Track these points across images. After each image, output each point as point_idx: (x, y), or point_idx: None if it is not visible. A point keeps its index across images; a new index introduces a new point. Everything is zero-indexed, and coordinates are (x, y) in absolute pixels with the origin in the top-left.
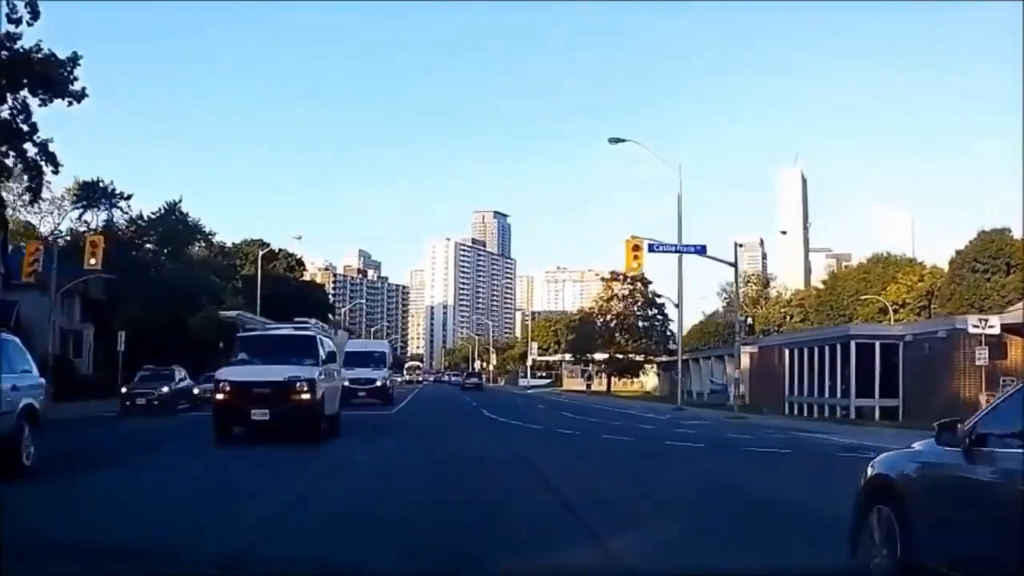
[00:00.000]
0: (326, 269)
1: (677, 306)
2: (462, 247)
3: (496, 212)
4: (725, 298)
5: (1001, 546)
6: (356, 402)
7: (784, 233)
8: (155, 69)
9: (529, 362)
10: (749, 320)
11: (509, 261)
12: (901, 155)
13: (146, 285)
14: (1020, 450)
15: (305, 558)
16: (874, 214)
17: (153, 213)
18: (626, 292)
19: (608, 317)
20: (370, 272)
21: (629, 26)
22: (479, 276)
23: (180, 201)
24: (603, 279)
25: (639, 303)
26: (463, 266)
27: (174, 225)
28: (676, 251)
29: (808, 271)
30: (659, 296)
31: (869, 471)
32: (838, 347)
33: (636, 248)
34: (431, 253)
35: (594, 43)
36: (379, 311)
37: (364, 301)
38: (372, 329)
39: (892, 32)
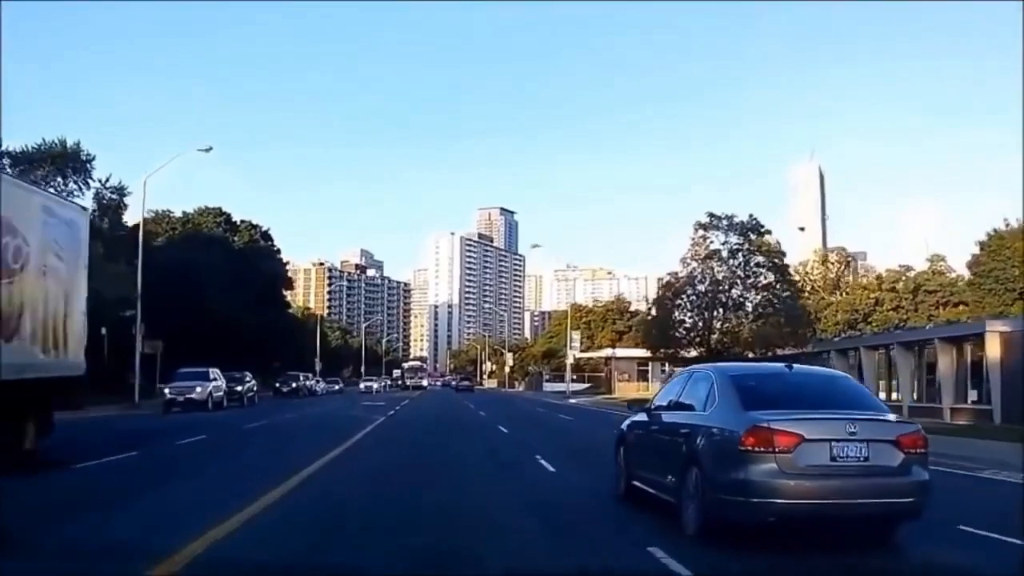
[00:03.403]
0: (320, 264)
1: None
2: (468, 242)
3: (503, 208)
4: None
5: (661, 460)
6: None
7: (802, 230)
8: (158, 65)
9: (570, 360)
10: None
11: (518, 258)
12: (920, 152)
13: None
14: (667, 412)
15: None
16: (893, 210)
17: None
18: (735, 246)
19: (704, 287)
20: (370, 271)
21: (638, 22)
22: (486, 273)
23: None
24: (699, 224)
25: (753, 264)
26: (469, 262)
27: None
28: None
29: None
30: (783, 255)
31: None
32: None
33: None
34: (435, 249)
35: (603, 38)
36: (379, 309)
37: (351, 284)
38: (364, 325)
39: (910, 27)
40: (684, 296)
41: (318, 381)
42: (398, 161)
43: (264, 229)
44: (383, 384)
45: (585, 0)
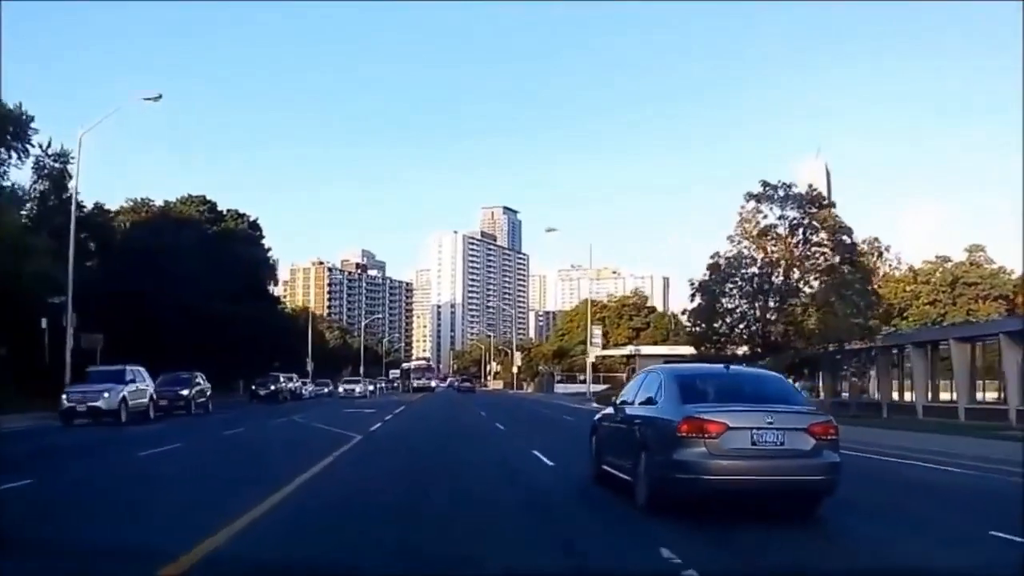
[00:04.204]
0: (320, 263)
1: None
2: (471, 240)
3: (506, 208)
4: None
5: (622, 446)
6: None
7: None
8: (158, 65)
9: (590, 358)
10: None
11: (522, 256)
12: (920, 151)
13: None
14: (628, 406)
15: None
16: (893, 210)
17: None
18: (794, 221)
19: (757, 269)
20: (372, 271)
21: (638, 22)
22: (490, 272)
23: None
24: (749, 195)
25: (816, 244)
26: (472, 261)
27: None
28: None
29: None
30: (851, 231)
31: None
32: None
33: None
34: (437, 248)
35: (603, 38)
36: (380, 309)
37: (351, 284)
38: (364, 323)
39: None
40: (733, 281)
41: (305, 383)
42: (399, 161)
43: (252, 218)
44: (375, 386)
45: (585, 0)
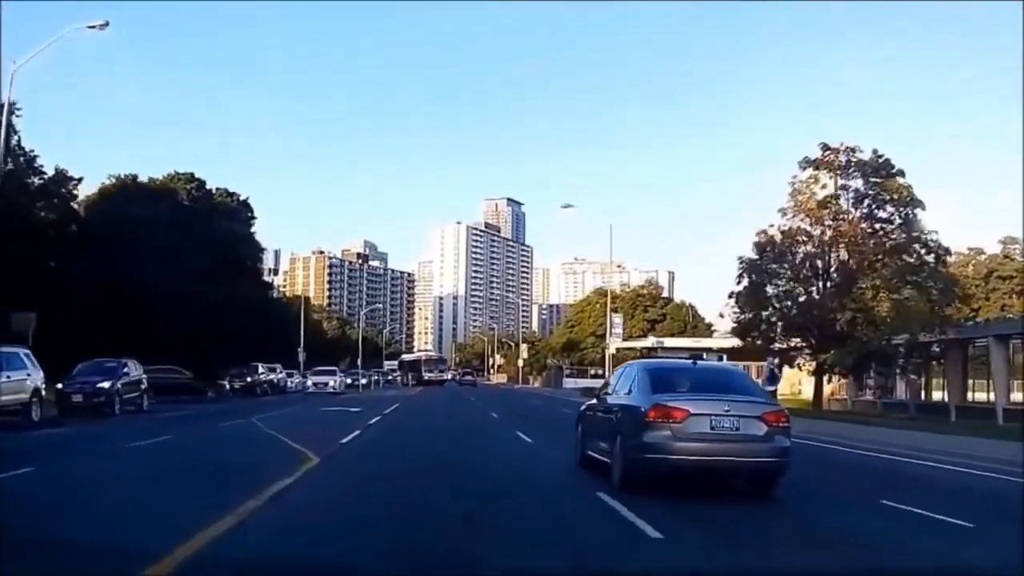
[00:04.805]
0: (320, 252)
1: None
2: (474, 231)
3: (509, 199)
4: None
5: (602, 432)
6: None
7: None
8: (158, 60)
9: (611, 350)
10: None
11: (526, 248)
12: (921, 148)
13: None
14: (609, 397)
15: None
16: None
17: None
18: (862, 191)
19: (813, 245)
20: (374, 262)
21: (640, 20)
22: (493, 264)
23: None
24: (807, 161)
25: (883, 220)
26: (476, 253)
27: None
28: None
29: None
30: (922, 205)
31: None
32: None
33: None
34: (440, 239)
35: (608, 34)
36: (380, 299)
37: (352, 274)
38: (363, 312)
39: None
40: (787, 260)
41: (291, 375)
42: (403, 152)
43: (242, 197)
44: (368, 379)
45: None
